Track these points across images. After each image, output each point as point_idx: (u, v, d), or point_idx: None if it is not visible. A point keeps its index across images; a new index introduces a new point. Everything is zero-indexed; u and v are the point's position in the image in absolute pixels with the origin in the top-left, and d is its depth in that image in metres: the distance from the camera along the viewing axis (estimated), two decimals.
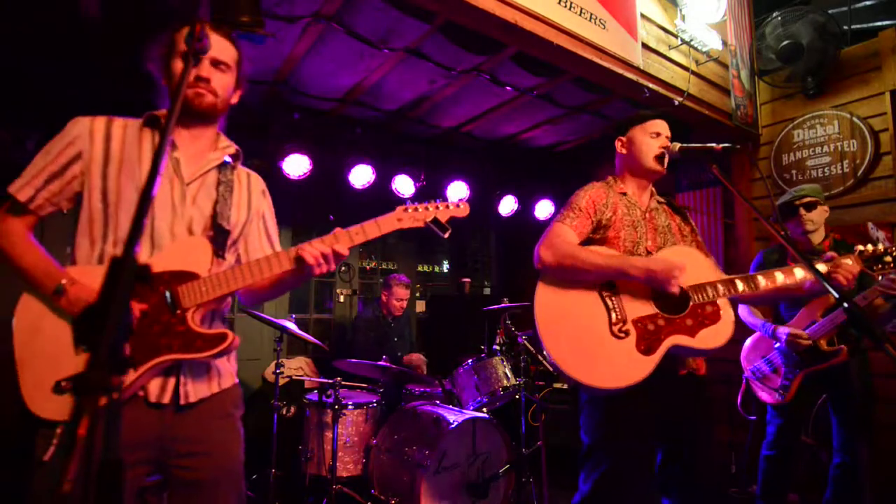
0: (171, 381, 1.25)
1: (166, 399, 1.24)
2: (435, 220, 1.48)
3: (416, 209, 1.47)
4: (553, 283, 1.71)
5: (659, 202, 1.94)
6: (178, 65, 1.31)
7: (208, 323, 1.35)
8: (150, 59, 1.36)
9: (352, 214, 1.50)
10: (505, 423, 3.00)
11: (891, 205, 3.28)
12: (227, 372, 1.39)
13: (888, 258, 1.77)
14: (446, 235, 1.49)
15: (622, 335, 1.62)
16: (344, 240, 1.38)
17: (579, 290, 1.69)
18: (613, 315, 1.65)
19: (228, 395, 1.38)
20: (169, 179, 1.31)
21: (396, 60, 3.20)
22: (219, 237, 1.34)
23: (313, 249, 1.34)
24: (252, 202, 1.49)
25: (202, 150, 1.39)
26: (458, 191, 4.47)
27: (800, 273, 1.73)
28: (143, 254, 1.25)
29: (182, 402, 1.25)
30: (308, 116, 4.01)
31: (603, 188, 1.86)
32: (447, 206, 1.50)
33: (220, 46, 1.35)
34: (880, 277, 1.77)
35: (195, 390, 1.29)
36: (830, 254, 1.78)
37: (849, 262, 1.74)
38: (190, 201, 1.33)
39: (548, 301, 1.68)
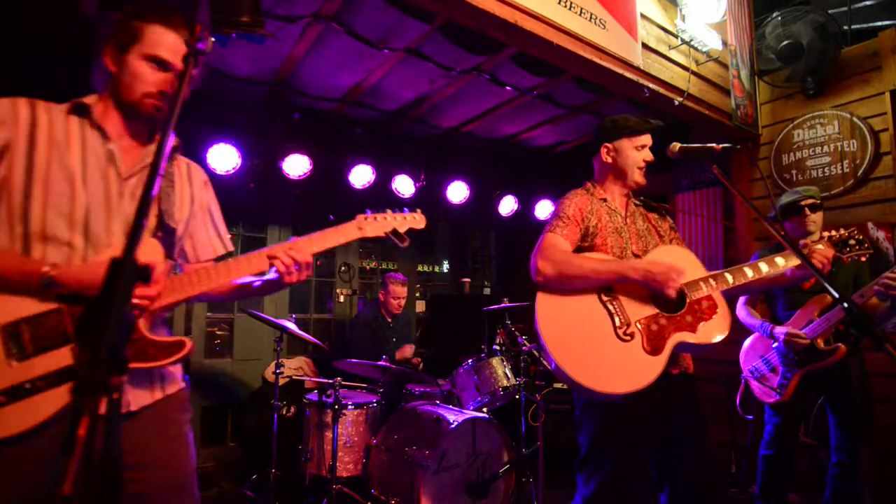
0: None
1: (104, 410, 1.18)
2: (394, 231, 1.49)
3: (375, 219, 1.48)
4: (552, 294, 1.70)
5: (636, 205, 1.97)
6: (139, 65, 1.20)
7: (152, 328, 1.25)
8: (101, 41, 1.25)
9: (352, 215, 1.50)
10: (505, 423, 3.00)
11: (891, 205, 3.28)
12: (172, 377, 1.31)
13: (852, 241, 1.86)
14: (405, 245, 1.50)
15: (628, 338, 1.63)
16: (304, 248, 1.33)
17: (580, 298, 1.69)
18: (617, 319, 1.65)
19: (173, 400, 1.29)
20: (101, 173, 1.20)
21: (396, 60, 3.20)
22: (167, 237, 1.26)
23: (285, 257, 1.28)
24: (195, 195, 1.40)
25: (139, 142, 1.29)
26: (458, 191, 4.47)
27: (780, 262, 1.80)
28: (77, 254, 1.14)
29: (122, 411, 1.16)
30: (308, 116, 4.01)
31: (585, 195, 1.87)
32: (405, 218, 1.53)
33: (181, 52, 1.23)
34: (848, 260, 1.86)
35: (136, 399, 1.20)
36: (802, 241, 1.84)
37: (821, 248, 1.83)
38: (129, 198, 1.22)
39: (550, 313, 1.68)
